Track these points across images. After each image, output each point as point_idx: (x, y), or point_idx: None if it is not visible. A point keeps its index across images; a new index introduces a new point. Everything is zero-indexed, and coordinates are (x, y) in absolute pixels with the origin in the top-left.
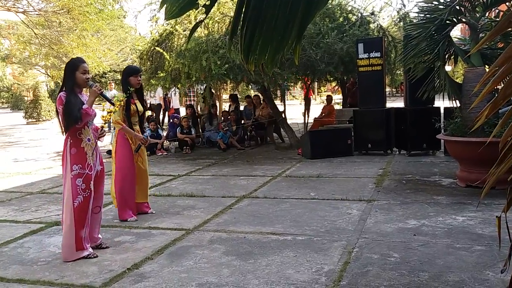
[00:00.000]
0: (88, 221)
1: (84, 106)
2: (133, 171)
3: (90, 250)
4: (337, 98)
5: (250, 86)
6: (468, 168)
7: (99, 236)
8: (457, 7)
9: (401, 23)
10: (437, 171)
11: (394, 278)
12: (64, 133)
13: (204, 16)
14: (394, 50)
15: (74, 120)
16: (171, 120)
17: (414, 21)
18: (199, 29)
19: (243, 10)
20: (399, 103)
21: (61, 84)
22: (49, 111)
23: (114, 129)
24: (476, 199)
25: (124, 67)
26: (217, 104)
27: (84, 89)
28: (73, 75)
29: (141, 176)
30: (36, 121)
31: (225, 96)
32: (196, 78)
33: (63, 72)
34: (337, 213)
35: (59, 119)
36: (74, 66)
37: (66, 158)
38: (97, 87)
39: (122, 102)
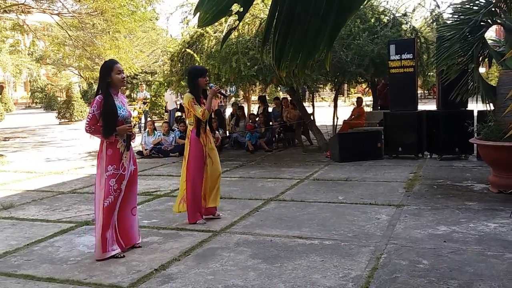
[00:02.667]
0: (113, 222)
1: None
2: (202, 176)
3: (117, 249)
4: (368, 100)
5: (279, 88)
6: (501, 174)
7: (138, 238)
8: (493, 8)
9: (434, 24)
10: (469, 176)
11: (423, 285)
12: (106, 138)
13: (237, 22)
14: (426, 51)
15: (112, 126)
16: None
17: (448, 22)
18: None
19: (275, 17)
20: (431, 106)
21: (96, 87)
22: (81, 112)
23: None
24: (509, 205)
25: (189, 67)
26: (245, 105)
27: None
28: (108, 77)
29: (215, 179)
30: (69, 121)
31: (254, 97)
32: (226, 80)
33: (97, 73)
34: (365, 217)
35: (87, 121)
36: (109, 67)
37: (102, 159)
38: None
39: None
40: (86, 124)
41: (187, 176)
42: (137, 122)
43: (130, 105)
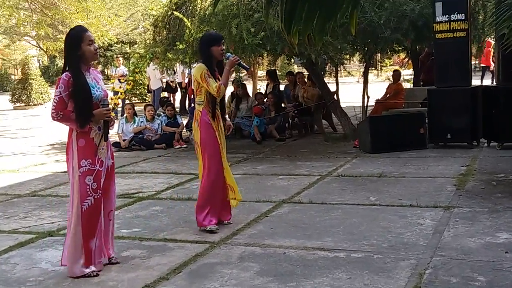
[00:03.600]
0: (100, 229)
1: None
2: (222, 166)
3: (92, 267)
4: (407, 74)
5: (292, 60)
6: None
7: (112, 250)
8: None
9: None
10: None
11: None
12: (81, 127)
13: None
14: (482, 10)
15: (88, 111)
16: (192, 105)
17: None
18: None
19: None
20: (489, 80)
21: (62, 61)
22: (41, 94)
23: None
24: None
25: (202, 35)
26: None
27: (93, 63)
28: (78, 49)
29: (228, 168)
30: (26, 105)
31: (261, 73)
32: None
33: (62, 44)
34: (404, 223)
35: (53, 105)
36: (77, 37)
37: (73, 152)
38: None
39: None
40: (53, 109)
41: (206, 171)
42: (116, 105)
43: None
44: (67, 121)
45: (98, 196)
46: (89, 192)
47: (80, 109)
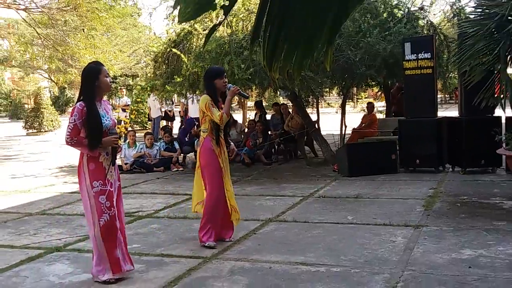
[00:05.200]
0: (119, 241)
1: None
2: (223, 189)
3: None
4: (380, 105)
5: (278, 93)
6: None
7: (130, 263)
8: None
9: (455, 19)
10: (498, 192)
11: None
12: (91, 152)
13: (223, 18)
14: (446, 50)
15: (98, 137)
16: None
17: (471, 16)
18: (221, 28)
19: (267, 9)
20: (453, 112)
21: (78, 93)
22: (51, 121)
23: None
24: None
25: (207, 69)
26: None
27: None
28: (96, 81)
29: (232, 193)
30: (37, 132)
31: (250, 103)
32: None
33: (70, 76)
34: (378, 240)
35: (68, 132)
36: (96, 70)
37: (84, 175)
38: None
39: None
40: (67, 135)
41: (207, 194)
42: (123, 133)
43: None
44: (79, 146)
45: (113, 213)
46: (103, 210)
47: (92, 136)
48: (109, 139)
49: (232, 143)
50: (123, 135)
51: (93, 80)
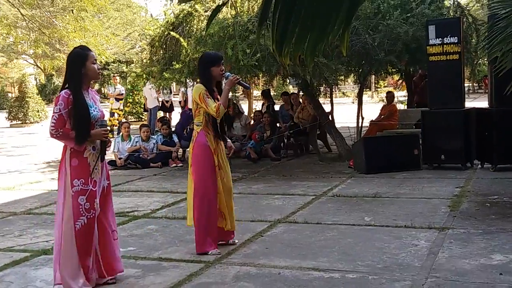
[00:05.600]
0: (94, 248)
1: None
2: (215, 190)
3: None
4: (401, 95)
5: (288, 81)
6: None
7: (121, 267)
8: None
9: (485, 0)
10: None
11: None
12: (79, 145)
13: None
14: (475, 34)
15: (86, 130)
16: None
17: None
18: (224, 9)
19: None
20: (482, 103)
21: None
22: (37, 112)
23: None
24: None
25: (200, 55)
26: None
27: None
28: (82, 68)
29: (228, 196)
30: (22, 123)
31: (256, 92)
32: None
33: (58, 62)
34: (399, 244)
35: (53, 123)
36: (83, 55)
37: (65, 171)
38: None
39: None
40: (52, 126)
41: (194, 192)
42: (115, 126)
43: (101, 103)
44: (65, 139)
45: (91, 216)
46: (81, 212)
47: (79, 128)
48: (98, 131)
49: (229, 140)
50: (115, 128)
51: (79, 66)
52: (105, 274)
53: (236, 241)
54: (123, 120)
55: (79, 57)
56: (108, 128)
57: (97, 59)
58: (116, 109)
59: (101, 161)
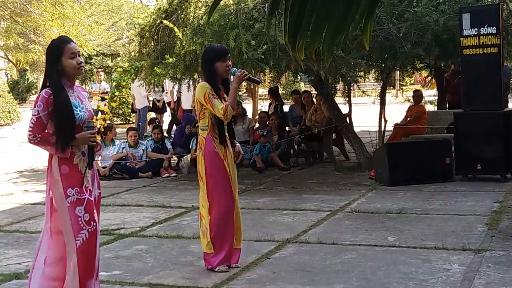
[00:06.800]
0: (97, 266)
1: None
2: (233, 203)
3: None
4: (430, 94)
5: (299, 77)
6: None
7: None
8: None
9: None
10: None
11: None
12: (62, 152)
13: None
14: None
15: (70, 133)
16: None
17: None
18: None
19: None
20: None
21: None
22: (9, 113)
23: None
24: None
25: (201, 49)
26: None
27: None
28: (58, 63)
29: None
30: None
31: (262, 91)
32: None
33: (33, 55)
34: (428, 268)
35: (30, 127)
36: (58, 49)
37: (54, 180)
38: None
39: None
40: (30, 131)
41: (210, 204)
42: (102, 126)
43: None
44: (45, 145)
45: (93, 229)
46: (81, 225)
47: (61, 132)
48: (84, 135)
49: (238, 144)
50: (101, 129)
51: (55, 63)
52: None
53: (239, 265)
54: (108, 122)
55: (54, 52)
56: (96, 129)
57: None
58: (103, 106)
59: (89, 168)
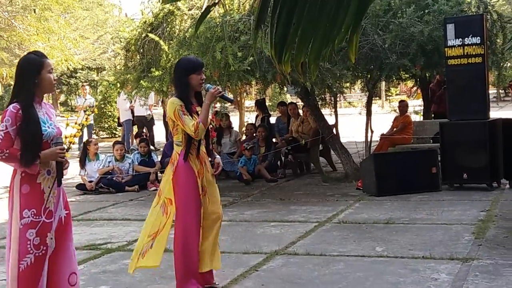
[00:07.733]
0: None
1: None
2: (199, 216)
3: None
4: (416, 104)
5: (285, 89)
6: None
7: None
8: None
9: None
10: None
11: None
12: (27, 167)
13: None
14: (501, 33)
15: (36, 149)
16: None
17: None
18: None
19: None
20: (510, 111)
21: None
22: None
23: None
24: None
25: (178, 61)
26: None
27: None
28: (36, 77)
29: (214, 225)
30: None
31: (249, 103)
32: (207, 77)
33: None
34: (416, 278)
35: None
36: (39, 62)
37: (13, 199)
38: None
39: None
40: None
41: (176, 222)
42: (71, 144)
43: (61, 116)
44: (12, 161)
45: (40, 254)
46: (29, 249)
47: (26, 147)
48: (52, 151)
49: (217, 156)
50: (71, 147)
51: (33, 75)
52: None
53: (218, 284)
54: (94, 136)
55: (34, 65)
56: (65, 146)
57: (60, 64)
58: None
59: (58, 185)
